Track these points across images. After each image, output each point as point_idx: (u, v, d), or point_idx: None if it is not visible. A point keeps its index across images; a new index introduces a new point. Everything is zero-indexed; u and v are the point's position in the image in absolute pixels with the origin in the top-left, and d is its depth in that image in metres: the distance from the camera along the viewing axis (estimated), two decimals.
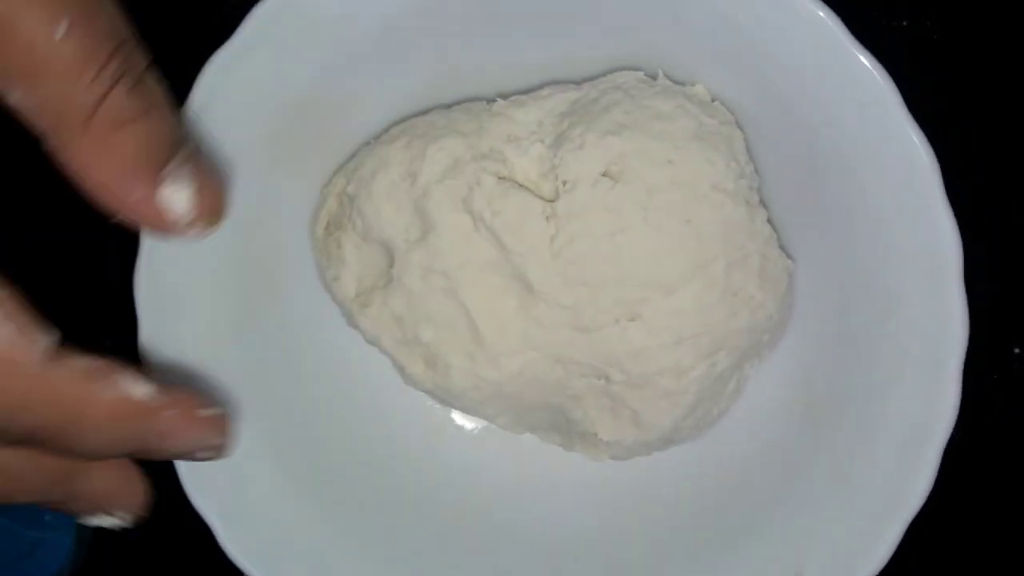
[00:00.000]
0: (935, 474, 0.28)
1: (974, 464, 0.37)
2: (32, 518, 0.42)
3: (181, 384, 0.26)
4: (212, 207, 0.23)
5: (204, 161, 0.22)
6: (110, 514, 0.27)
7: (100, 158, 0.20)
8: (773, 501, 0.31)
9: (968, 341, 0.28)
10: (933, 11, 0.36)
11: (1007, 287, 0.37)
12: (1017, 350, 0.37)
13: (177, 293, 0.31)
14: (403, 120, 0.33)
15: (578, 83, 0.32)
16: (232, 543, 0.31)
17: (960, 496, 0.37)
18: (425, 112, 0.33)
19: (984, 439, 0.37)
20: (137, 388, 0.23)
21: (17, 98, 0.19)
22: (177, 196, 0.21)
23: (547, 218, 0.30)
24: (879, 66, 0.27)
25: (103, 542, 0.41)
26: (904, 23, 0.36)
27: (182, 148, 0.22)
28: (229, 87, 0.29)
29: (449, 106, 0.33)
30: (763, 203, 0.31)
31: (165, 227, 0.22)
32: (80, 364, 0.22)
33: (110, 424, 0.22)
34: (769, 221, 0.31)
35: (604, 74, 0.32)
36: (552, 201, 0.30)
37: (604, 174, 0.29)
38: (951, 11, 0.36)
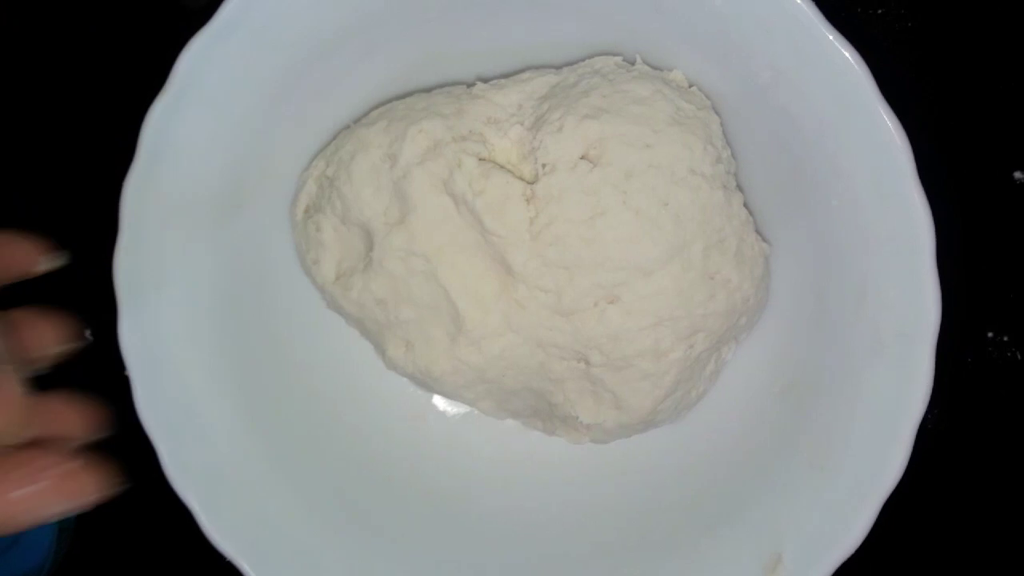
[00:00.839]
0: (909, 454, 0.28)
1: (950, 445, 0.38)
2: None
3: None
4: None
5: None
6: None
7: None
8: (752, 482, 0.32)
9: (943, 325, 0.29)
10: None
11: (982, 272, 0.37)
12: (991, 334, 0.37)
13: (157, 279, 0.31)
14: (384, 103, 0.33)
15: (558, 67, 0.32)
16: (214, 528, 0.31)
17: (936, 476, 0.37)
18: (406, 96, 0.33)
19: (959, 421, 0.37)
20: None
21: None
22: None
23: (527, 200, 0.30)
24: (854, 52, 0.27)
25: (86, 532, 0.41)
26: (879, 10, 0.36)
27: None
28: (208, 71, 0.29)
29: (430, 90, 0.33)
30: (740, 187, 0.31)
31: None
32: None
33: None
34: (746, 205, 0.31)
35: (583, 59, 0.32)
36: (532, 183, 0.30)
37: (583, 157, 0.29)
38: None
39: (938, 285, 0.28)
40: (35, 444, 0.24)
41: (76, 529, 0.41)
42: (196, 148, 0.30)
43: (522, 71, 0.32)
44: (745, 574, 0.30)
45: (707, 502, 0.32)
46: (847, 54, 0.27)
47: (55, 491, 0.24)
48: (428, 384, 0.33)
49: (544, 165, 0.30)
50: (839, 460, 0.29)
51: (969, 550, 0.38)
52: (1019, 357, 0.37)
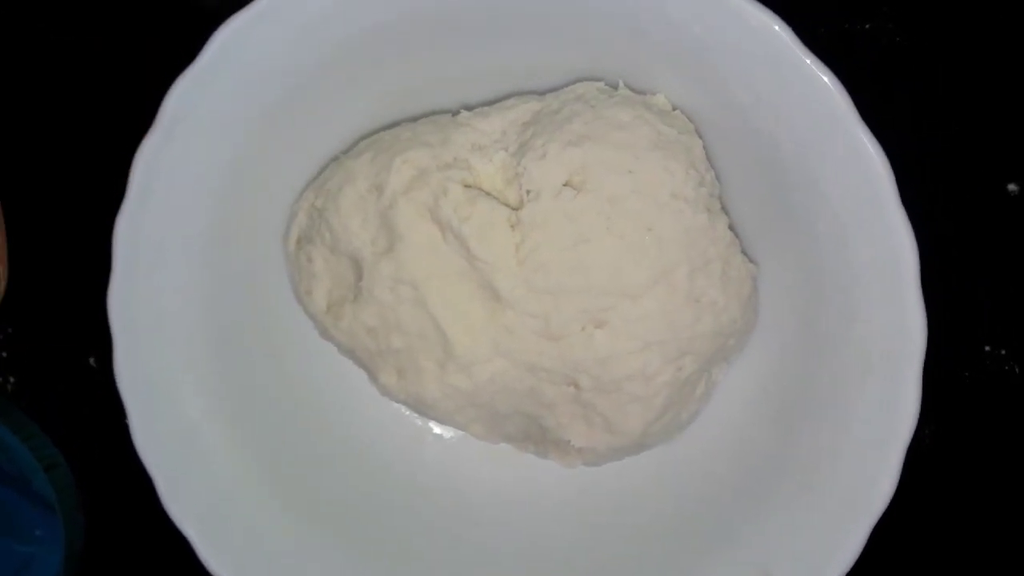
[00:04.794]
0: (898, 477, 0.28)
1: (947, 461, 0.37)
2: (23, 534, 0.42)
3: None
4: None
5: None
6: None
7: None
8: (743, 503, 0.32)
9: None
10: (895, 14, 0.36)
11: (978, 286, 0.37)
12: (988, 348, 0.37)
13: (152, 313, 0.31)
14: (370, 134, 0.33)
15: (541, 93, 0.32)
16: (212, 557, 0.32)
17: (934, 492, 0.37)
18: (392, 126, 0.33)
19: (956, 436, 0.37)
20: None
21: None
22: None
23: (512, 226, 0.30)
24: (832, 76, 0.27)
25: (93, 557, 0.42)
26: (867, 26, 0.36)
27: None
28: (197, 107, 0.30)
29: (416, 119, 0.33)
30: (725, 210, 0.31)
31: None
32: None
33: None
34: (731, 227, 0.31)
35: (567, 84, 0.32)
36: (517, 209, 0.30)
37: (566, 184, 0.30)
38: (913, 14, 0.36)
39: (923, 308, 0.28)
40: None
41: (83, 556, 0.42)
42: (187, 184, 0.31)
43: (506, 98, 0.32)
44: None
45: (699, 523, 0.32)
46: (825, 78, 0.27)
47: None
48: (421, 409, 0.33)
49: (528, 192, 0.30)
50: (829, 482, 0.30)
51: (967, 567, 0.38)
52: (1016, 371, 0.37)
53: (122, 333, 0.31)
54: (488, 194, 0.30)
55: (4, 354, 0.42)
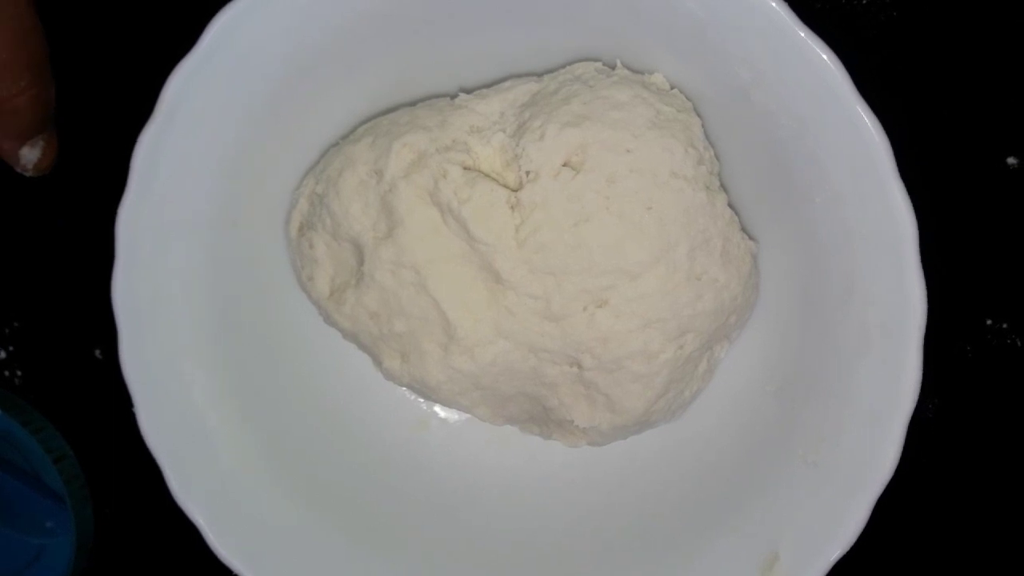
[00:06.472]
0: (900, 449, 0.28)
1: (951, 436, 0.37)
2: (34, 526, 0.43)
3: None
4: (45, 167, 0.34)
5: (52, 142, 0.34)
6: None
7: None
8: (748, 481, 0.32)
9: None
10: None
11: (978, 260, 0.37)
12: (990, 322, 0.37)
13: (156, 302, 0.32)
14: (369, 119, 0.33)
15: (539, 75, 0.32)
16: (220, 543, 0.32)
17: (938, 467, 0.37)
18: (391, 111, 0.33)
19: (960, 411, 0.37)
20: None
21: None
22: (29, 153, 0.34)
23: (512, 207, 0.30)
24: (829, 51, 0.27)
25: (104, 546, 0.42)
26: (863, 1, 0.36)
27: (44, 133, 0.34)
28: (196, 94, 0.30)
29: (414, 103, 0.33)
30: (724, 187, 0.32)
31: (17, 167, 0.34)
32: None
33: None
34: (731, 205, 0.31)
35: (565, 64, 0.32)
36: (516, 190, 0.30)
37: (565, 164, 0.30)
38: None
39: (922, 280, 0.28)
40: None
41: (94, 548, 0.42)
42: (187, 171, 0.31)
43: (504, 80, 0.32)
44: (743, 573, 0.30)
45: (704, 502, 0.33)
46: (822, 53, 0.27)
47: None
48: (425, 393, 0.33)
49: (528, 172, 0.30)
50: (832, 457, 0.30)
51: (971, 542, 0.38)
52: (1019, 344, 0.37)
53: (126, 321, 0.31)
54: (487, 176, 0.31)
55: (11, 348, 0.42)
